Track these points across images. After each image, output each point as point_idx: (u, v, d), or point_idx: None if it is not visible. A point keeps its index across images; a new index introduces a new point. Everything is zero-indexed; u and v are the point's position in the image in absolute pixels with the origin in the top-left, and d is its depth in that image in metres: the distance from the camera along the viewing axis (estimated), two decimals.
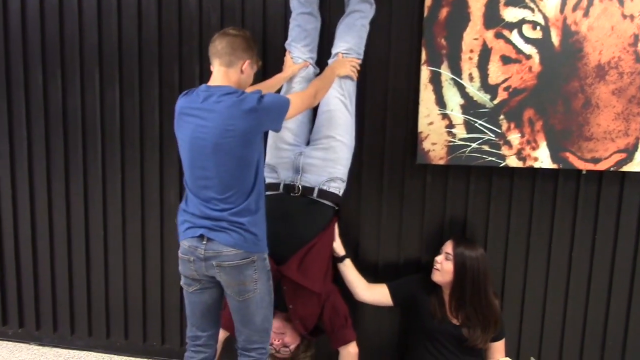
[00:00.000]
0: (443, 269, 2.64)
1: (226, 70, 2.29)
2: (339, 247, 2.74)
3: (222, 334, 2.66)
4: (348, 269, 2.77)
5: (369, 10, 2.71)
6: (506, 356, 2.73)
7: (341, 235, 2.75)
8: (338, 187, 2.65)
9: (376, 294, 2.78)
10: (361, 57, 2.71)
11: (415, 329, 2.79)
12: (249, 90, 2.35)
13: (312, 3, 2.72)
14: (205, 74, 2.90)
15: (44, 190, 3.15)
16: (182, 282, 2.40)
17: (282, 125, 2.31)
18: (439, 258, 2.66)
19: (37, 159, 3.13)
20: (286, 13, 2.78)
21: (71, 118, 3.06)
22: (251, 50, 2.33)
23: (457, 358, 2.66)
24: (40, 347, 3.29)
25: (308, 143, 2.74)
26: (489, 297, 2.61)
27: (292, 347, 2.67)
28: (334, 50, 2.72)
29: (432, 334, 2.68)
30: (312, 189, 2.61)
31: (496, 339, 2.71)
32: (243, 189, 2.23)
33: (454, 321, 2.66)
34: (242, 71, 2.30)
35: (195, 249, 2.27)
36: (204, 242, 2.24)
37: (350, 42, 2.67)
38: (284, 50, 2.77)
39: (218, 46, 2.29)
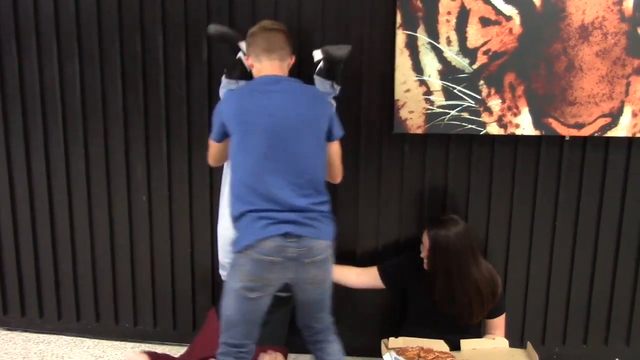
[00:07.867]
0: (426, 256, 2.58)
1: (280, 64, 2.28)
2: None
3: None
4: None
5: (333, 92, 2.65)
6: (507, 331, 2.68)
7: None
8: None
9: (365, 278, 2.74)
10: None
11: (409, 307, 2.76)
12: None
13: None
14: (169, 44, 2.80)
15: (4, 168, 3.01)
16: (240, 286, 2.12)
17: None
18: (422, 248, 2.61)
19: None
20: None
21: (29, 92, 2.91)
22: (292, 46, 2.36)
23: (452, 335, 2.59)
24: (9, 332, 3.19)
25: None
26: (465, 273, 2.51)
27: None
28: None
29: (426, 313, 2.63)
30: None
31: (493, 315, 2.65)
32: (321, 175, 2.22)
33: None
34: (288, 66, 2.32)
35: (285, 249, 2.08)
36: (293, 240, 2.08)
37: None
38: None
39: (269, 41, 2.26)
